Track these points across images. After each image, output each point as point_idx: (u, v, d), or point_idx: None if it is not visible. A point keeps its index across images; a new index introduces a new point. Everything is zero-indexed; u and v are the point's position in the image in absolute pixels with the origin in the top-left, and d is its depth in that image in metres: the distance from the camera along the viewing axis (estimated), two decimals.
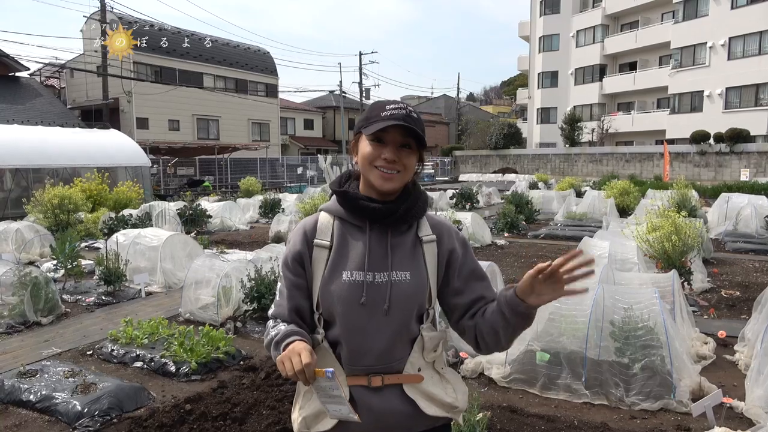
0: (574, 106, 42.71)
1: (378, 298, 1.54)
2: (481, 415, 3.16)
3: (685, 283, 6.72)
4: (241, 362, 4.99)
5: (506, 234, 12.19)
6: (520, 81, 63.31)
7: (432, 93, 70.40)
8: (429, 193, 17.82)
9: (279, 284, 1.66)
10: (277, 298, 1.64)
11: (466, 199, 18.06)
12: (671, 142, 33.13)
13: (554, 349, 4.38)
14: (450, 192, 18.78)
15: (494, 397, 4.14)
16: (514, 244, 11.04)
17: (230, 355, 5.06)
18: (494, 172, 41.35)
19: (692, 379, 4.06)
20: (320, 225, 1.64)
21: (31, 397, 4.18)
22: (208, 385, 4.37)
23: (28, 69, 30.69)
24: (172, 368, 4.77)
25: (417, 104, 66.26)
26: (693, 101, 35.32)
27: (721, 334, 5.21)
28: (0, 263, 6.82)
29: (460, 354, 4.69)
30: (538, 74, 45.83)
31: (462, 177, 40.32)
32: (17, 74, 29.99)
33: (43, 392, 4.18)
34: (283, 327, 1.55)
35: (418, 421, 1.58)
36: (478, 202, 18.66)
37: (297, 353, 1.38)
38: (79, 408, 3.95)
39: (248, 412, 3.70)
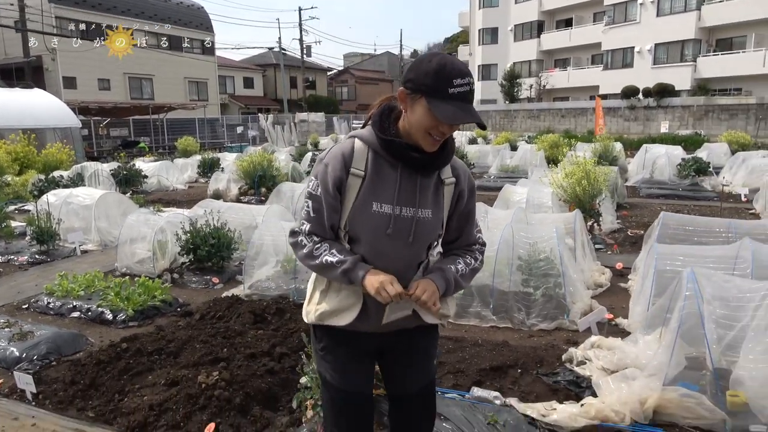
0: (514, 63, 43.41)
1: (403, 230, 1.77)
2: None
3: (595, 224, 7.36)
4: (178, 309, 5.22)
5: None
6: (462, 38, 63.43)
7: (375, 50, 69.58)
8: None
9: (310, 203, 1.80)
10: (311, 214, 1.79)
11: None
12: (604, 97, 34.33)
13: (475, 284, 4.84)
14: None
15: None
16: None
17: (167, 303, 5.28)
18: None
19: (584, 302, 4.62)
20: (357, 154, 1.78)
21: None
22: (145, 330, 4.60)
23: None
24: (110, 316, 4.96)
25: (360, 62, 65.49)
26: (624, 57, 36.63)
27: (619, 265, 5.83)
28: None
29: None
30: (479, 30, 46.12)
31: None
32: None
33: None
34: (335, 249, 1.77)
35: (411, 318, 1.87)
36: None
37: (389, 283, 1.69)
38: (17, 353, 4.12)
39: (182, 347, 3.97)
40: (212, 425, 2.99)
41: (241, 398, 3.28)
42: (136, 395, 3.45)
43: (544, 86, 40.27)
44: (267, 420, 3.19)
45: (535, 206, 7.18)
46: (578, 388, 3.35)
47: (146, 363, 3.78)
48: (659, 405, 2.95)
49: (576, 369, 3.51)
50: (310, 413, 2.92)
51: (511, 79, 40.41)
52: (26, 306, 5.38)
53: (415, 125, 1.71)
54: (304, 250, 1.81)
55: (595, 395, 3.18)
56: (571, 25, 41.32)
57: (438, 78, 1.64)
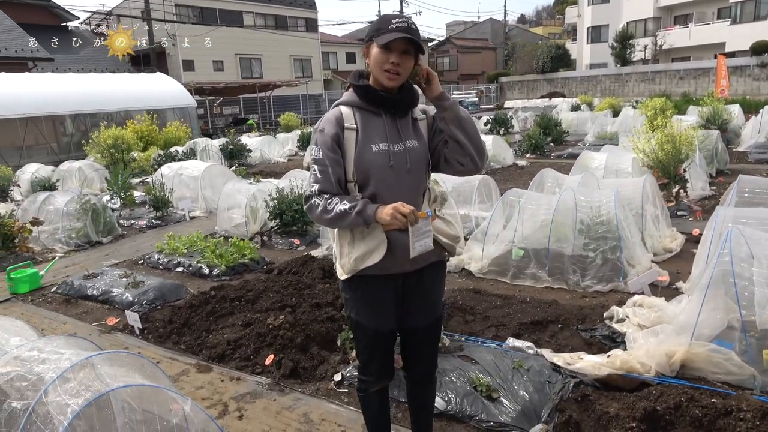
0: (627, 23, 40.42)
1: (401, 161, 2.09)
2: None
3: (681, 190, 7.06)
4: (264, 266, 5.86)
5: (528, 155, 12.50)
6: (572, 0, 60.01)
7: (478, 17, 67.80)
8: None
9: (316, 167, 2.07)
10: (319, 176, 2.06)
11: (500, 125, 18.19)
12: (731, 55, 31.23)
13: (534, 248, 4.97)
14: (484, 118, 18.90)
15: (468, 284, 4.83)
16: (535, 164, 11.38)
17: (255, 260, 5.94)
18: (541, 97, 40.30)
19: (643, 266, 4.60)
20: (345, 115, 2.11)
21: (94, 292, 5.21)
22: (234, 283, 5.25)
23: (78, 18, 31.94)
24: (206, 271, 5.71)
25: (462, 30, 64.18)
26: (757, 8, 32.85)
27: (695, 231, 5.64)
28: (65, 194, 7.90)
29: None
30: None
31: (507, 104, 39.61)
32: (69, 24, 31.30)
33: (103, 288, 5.20)
34: (345, 200, 2.01)
35: (431, 252, 2.15)
36: (512, 127, 18.72)
37: (400, 206, 1.93)
38: (131, 298, 4.93)
39: (259, 295, 4.55)
40: (272, 356, 3.51)
41: (301, 338, 3.77)
42: (218, 333, 4.06)
43: (661, 46, 37.24)
44: (322, 357, 3.65)
45: (613, 172, 7.02)
46: (613, 343, 3.47)
47: (228, 308, 4.40)
48: (686, 359, 3.02)
49: (614, 325, 3.61)
50: (353, 353, 3.33)
51: (624, 40, 37.74)
52: (141, 261, 6.30)
53: (373, 67, 2.07)
54: (319, 209, 2.05)
55: (626, 349, 3.28)
56: None
57: (380, 22, 2.05)
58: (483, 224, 5.32)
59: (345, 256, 2.17)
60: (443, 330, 3.49)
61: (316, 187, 2.08)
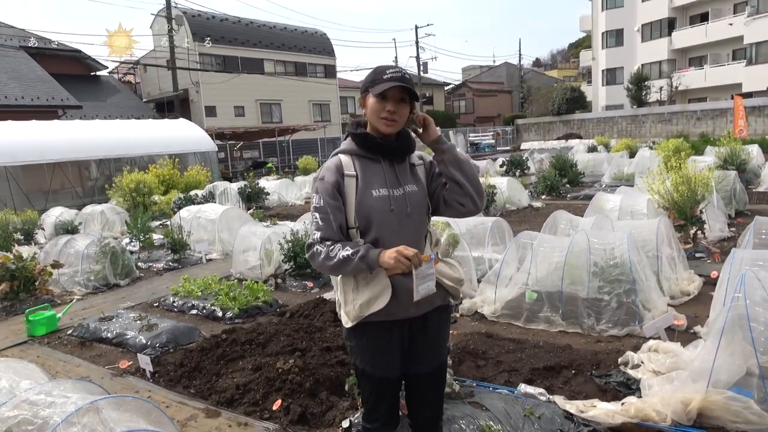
0: (642, 65, 40.81)
1: (401, 205, 2.14)
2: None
3: (699, 232, 6.96)
4: (278, 309, 5.86)
5: (544, 197, 12.48)
6: (588, 42, 60.80)
7: (494, 61, 68.93)
8: (476, 162, 18.14)
9: (317, 215, 2.11)
10: (321, 224, 2.10)
11: (515, 166, 18.26)
12: (748, 95, 31.20)
13: (547, 291, 4.92)
14: (500, 160, 19.01)
15: (480, 327, 4.78)
16: (551, 206, 11.34)
17: (268, 303, 5.95)
18: (558, 138, 40.46)
19: (659, 310, 4.51)
20: (344, 163, 2.17)
21: (109, 334, 5.25)
22: (247, 325, 5.26)
23: (107, 67, 33.23)
24: (220, 314, 5.73)
25: (478, 74, 65.33)
26: None
27: (713, 274, 5.53)
28: (86, 238, 8.07)
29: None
30: (602, 33, 44.04)
31: (524, 146, 39.76)
32: (98, 73, 32.59)
33: (117, 331, 5.24)
34: (348, 246, 2.04)
35: (435, 296, 2.16)
36: (528, 168, 18.77)
37: (402, 251, 1.97)
38: (144, 341, 4.96)
39: (270, 339, 4.55)
40: (279, 402, 3.48)
41: (311, 383, 3.74)
42: (228, 377, 4.05)
43: (677, 87, 37.41)
44: (331, 403, 3.61)
45: (628, 214, 6.97)
46: (627, 390, 3.38)
47: (239, 351, 4.40)
48: (704, 407, 2.92)
49: (629, 371, 3.52)
50: (360, 399, 3.29)
51: (639, 82, 38.03)
52: (156, 304, 6.36)
53: (370, 116, 2.16)
54: (321, 256, 2.07)
55: (641, 397, 3.20)
56: (708, 20, 38.06)
57: (374, 74, 2.15)
58: (495, 266, 5.30)
59: (350, 303, 2.17)
60: (453, 375, 3.45)
61: (317, 234, 2.11)
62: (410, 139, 2.26)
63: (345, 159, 2.19)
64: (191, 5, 32.37)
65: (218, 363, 4.28)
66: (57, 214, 12.11)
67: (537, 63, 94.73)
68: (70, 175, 17.47)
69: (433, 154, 2.24)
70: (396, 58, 48.12)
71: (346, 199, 2.14)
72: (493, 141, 42.11)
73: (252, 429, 3.42)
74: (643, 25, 41.68)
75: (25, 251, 8.22)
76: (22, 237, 10.86)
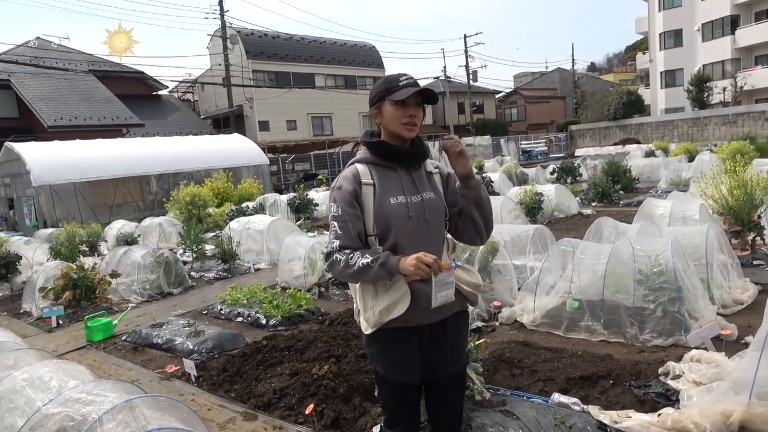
0: (703, 65, 39.13)
1: (419, 211, 2.16)
2: (481, 341, 3.77)
3: (758, 238, 6.61)
4: (319, 317, 5.97)
5: (594, 204, 12.15)
6: (645, 44, 58.80)
7: (546, 67, 67.76)
8: (524, 170, 17.81)
9: (336, 223, 2.12)
10: (339, 232, 2.11)
11: (567, 173, 17.87)
12: None
13: (589, 300, 4.79)
14: (551, 167, 18.64)
15: (518, 336, 4.71)
16: (601, 213, 11.01)
17: (310, 311, 6.07)
18: (614, 144, 39.24)
19: (707, 319, 4.31)
20: (361, 171, 2.19)
21: (159, 340, 5.50)
22: (288, 333, 5.39)
23: (167, 87, 34.85)
24: (263, 321, 5.89)
25: (530, 80, 64.37)
26: None
27: None
28: (142, 248, 8.47)
29: (494, 303, 5.28)
30: (660, 34, 42.51)
31: (578, 152, 38.75)
32: (159, 93, 34.22)
33: (167, 337, 5.48)
34: (367, 253, 2.05)
35: (455, 301, 2.17)
36: (581, 175, 18.32)
37: (422, 255, 1.98)
38: (191, 347, 5.16)
39: (308, 345, 4.64)
40: (311, 406, 3.55)
41: (344, 389, 3.80)
42: (267, 381, 4.16)
43: (742, 87, 35.59)
44: (364, 409, 3.65)
45: (680, 219, 6.70)
46: (667, 401, 3.25)
47: (278, 357, 4.51)
48: (746, 420, 2.78)
49: (669, 382, 3.39)
50: None
51: (700, 83, 36.44)
52: (205, 312, 6.60)
53: (390, 123, 2.18)
54: (341, 264, 2.07)
55: (680, 408, 3.07)
56: None
57: (387, 81, 2.20)
58: (534, 275, 5.21)
59: (369, 309, 2.18)
60: (483, 384, 3.42)
61: (336, 243, 2.12)
62: (424, 146, 2.29)
63: (361, 168, 2.22)
64: (245, 24, 33.53)
65: (258, 368, 4.41)
66: (119, 226, 12.78)
67: (592, 67, 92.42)
68: (132, 190, 18.39)
69: (457, 181, 2.26)
70: (444, 67, 48.10)
71: (364, 208, 2.17)
72: (546, 148, 41.27)
73: None
74: (703, 25, 39.97)
75: (89, 262, 8.71)
76: (87, 248, 11.50)
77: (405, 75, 2.19)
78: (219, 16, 30.52)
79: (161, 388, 4.43)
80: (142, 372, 4.88)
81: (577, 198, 12.55)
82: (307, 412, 3.58)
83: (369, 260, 2.04)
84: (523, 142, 42.84)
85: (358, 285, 2.24)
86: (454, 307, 2.26)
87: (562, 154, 40.17)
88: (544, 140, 42.67)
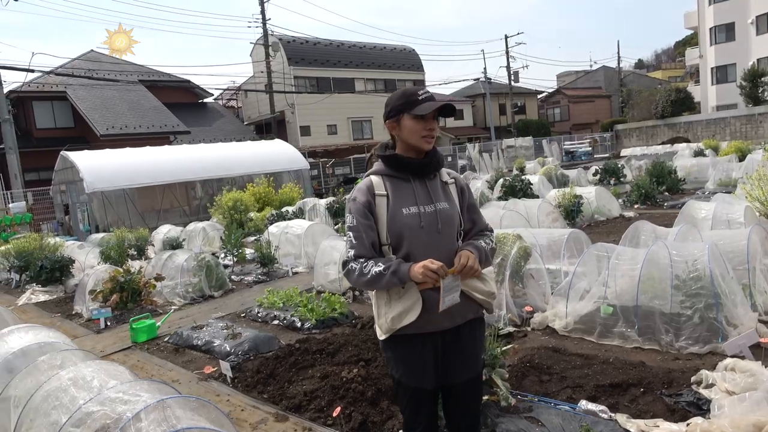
0: (757, 60, 37.46)
1: (431, 221, 2.22)
2: (508, 346, 3.78)
3: None
4: (353, 321, 6.06)
5: (637, 206, 11.83)
6: (695, 40, 56.63)
7: (591, 66, 66.25)
8: (565, 171, 17.48)
9: (351, 233, 2.22)
10: (354, 242, 2.20)
11: (610, 175, 17.44)
12: None
13: (623, 305, 4.71)
14: (593, 168, 18.24)
15: (549, 342, 4.66)
16: (644, 216, 10.72)
17: (344, 315, 6.17)
18: (662, 143, 38.00)
19: (746, 326, 4.17)
20: (375, 183, 2.27)
21: (199, 342, 5.69)
22: (322, 336, 5.50)
23: (212, 95, 35.87)
24: (298, 324, 6.03)
25: (574, 79, 63.10)
26: None
27: None
28: (185, 252, 8.78)
29: (525, 308, 5.24)
30: (710, 29, 40.99)
31: (624, 152, 37.69)
32: (205, 100, 35.26)
33: (206, 339, 5.68)
34: (380, 262, 2.14)
35: (468, 309, 2.29)
36: (625, 176, 17.83)
37: (430, 262, 2.05)
38: (228, 349, 5.33)
39: (339, 349, 4.73)
40: (338, 409, 3.63)
41: (372, 392, 3.86)
42: (298, 384, 4.27)
43: None
44: (392, 412, 3.70)
45: (724, 222, 6.47)
46: (698, 410, 3.18)
47: (310, 360, 4.62)
48: None
49: (701, 391, 3.31)
50: None
51: (755, 78, 34.89)
52: (243, 314, 6.79)
53: (409, 136, 2.25)
54: (356, 273, 2.17)
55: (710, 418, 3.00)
56: None
57: (406, 95, 2.26)
58: (566, 280, 5.15)
59: (382, 316, 2.26)
60: (509, 389, 3.42)
61: (351, 252, 2.21)
62: (438, 156, 2.34)
63: (376, 180, 2.29)
64: (286, 32, 34.14)
65: (290, 371, 4.53)
66: (165, 231, 13.26)
67: (639, 64, 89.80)
68: (179, 195, 19.02)
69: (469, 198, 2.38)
70: (485, 69, 47.63)
71: (378, 218, 2.24)
72: (590, 148, 40.31)
73: None
74: (757, 17, 38.26)
75: (136, 265, 9.09)
76: (135, 252, 11.99)
77: (423, 89, 2.27)
78: (261, 24, 31.25)
79: (199, 388, 4.61)
80: (182, 372, 5.07)
81: (620, 200, 12.26)
82: (334, 414, 3.66)
83: (381, 268, 2.13)
84: (566, 143, 42.00)
85: (374, 292, 2.32)
86: (467, 315, 2.30)
87: (607, 155, 39.16)
88: (588, 140, 41.71)
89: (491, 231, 2.45)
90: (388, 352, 2.36)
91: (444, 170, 2.40)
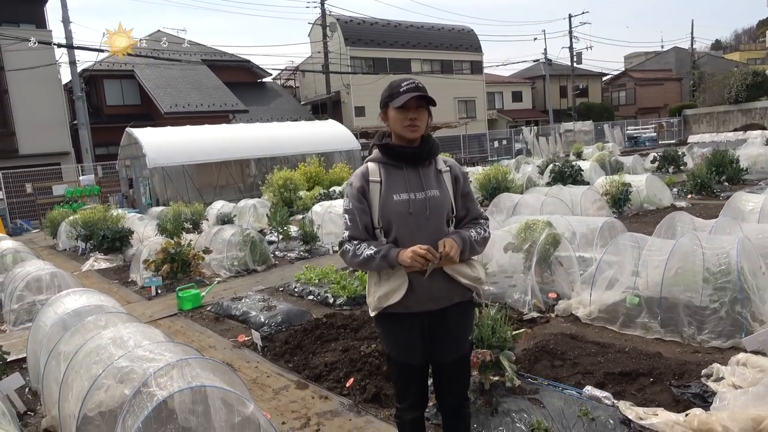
0: None
1: (420, 209, 2.32)
2: (520, 331, 3.85)
3: None
4: None
5: (691, 196, 11.39)
6: None
7: (662, 47, 63.08)
8: (620, 158, 16.94)
9: (346, 216, 2.37)
10: (349, 224, 2.36)
11: (669, 162, 16.80)
12: None
13: (648, 296, 4.67)
14: (652, 155, 17.59)
15: (570, 329, 4.69)
16: (697, 206, 10.36)
17: None
18: (735, 130, 35.90)
19: None
20: (371, 170, 2.41)
21: (237, 312, 6.05)
22: (349, 312, 5.73)
23: (271, 75, 36.61)
24: (331, 300, 6.28)
25: (642, 61, 60.31)
26: None
27: None
28: (233, 228, 9.21)
29: (550, 295, 5.26)
30: None
31: (692, 138, 35.87)
32: (263, 80, 36.07)
33: (243, 309, 6.02)
34: (372, 245, 2.29)
35: (454, 292, 2.42)
36: (685, 164, 17.11)
37: (416, 251, 2.19)
38: (263, 320, 5.65)
39: (362, 325, 4.94)
40: (351, 380, 3.84)
41: (387, 367, 4.05)
42: (321, 355, 4.52)
43: None
44: None
45: None
46: (703, 402, 3.18)
47: (334, 334, 4.86)
48: None
49: (709, 383, 3.31)
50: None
51: None
52: (281, 288, 7.12)
53: (394, 126, 2.37)
54: (350, 253, 2.33)
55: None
56: None
57: (390, 87, 2.38)
58: (591, 268, 5.14)
59: (371, 294, 2.43)
60: (515, 371, 3.52)
61: (346, 233, 2.39)
62: (431, 144, 2.45)
63: (372, 166, 2.44)
64: (344, 12, 34.34)
65: (315, 343, 4.78)
66: (219, 206, 13.85)
67: (717, 45, 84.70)
68: (234, 172, 19.74)
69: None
70: (545, 50, 46.32)
71: (371, 203, 2.38)
72: (656, 134, 38.63)
73: (330, 402, 3.82)
74: None
75: (188, 238, 9.61)
76: (190, 226, 12.62)
77: (407, 80, 2.35)
78: (320, 4, 31.53)
79: (232, 354, 4.94)
80: (219, 339, 5.43)
81: (674, 189, 11.83)
82: (347, 384, 3.88)
83: (373, 251, 2.29)
84: (629, 128, 40.44)
85: (368, 272, 2.47)
86: (453, 298, 2.41)
87: (673, 141, 37.46)
88: (653, 125, 39.97)
89: (486, 219, 2.55)
90: (379, 328, 2.53)
91: (441, 158, 2.50)
